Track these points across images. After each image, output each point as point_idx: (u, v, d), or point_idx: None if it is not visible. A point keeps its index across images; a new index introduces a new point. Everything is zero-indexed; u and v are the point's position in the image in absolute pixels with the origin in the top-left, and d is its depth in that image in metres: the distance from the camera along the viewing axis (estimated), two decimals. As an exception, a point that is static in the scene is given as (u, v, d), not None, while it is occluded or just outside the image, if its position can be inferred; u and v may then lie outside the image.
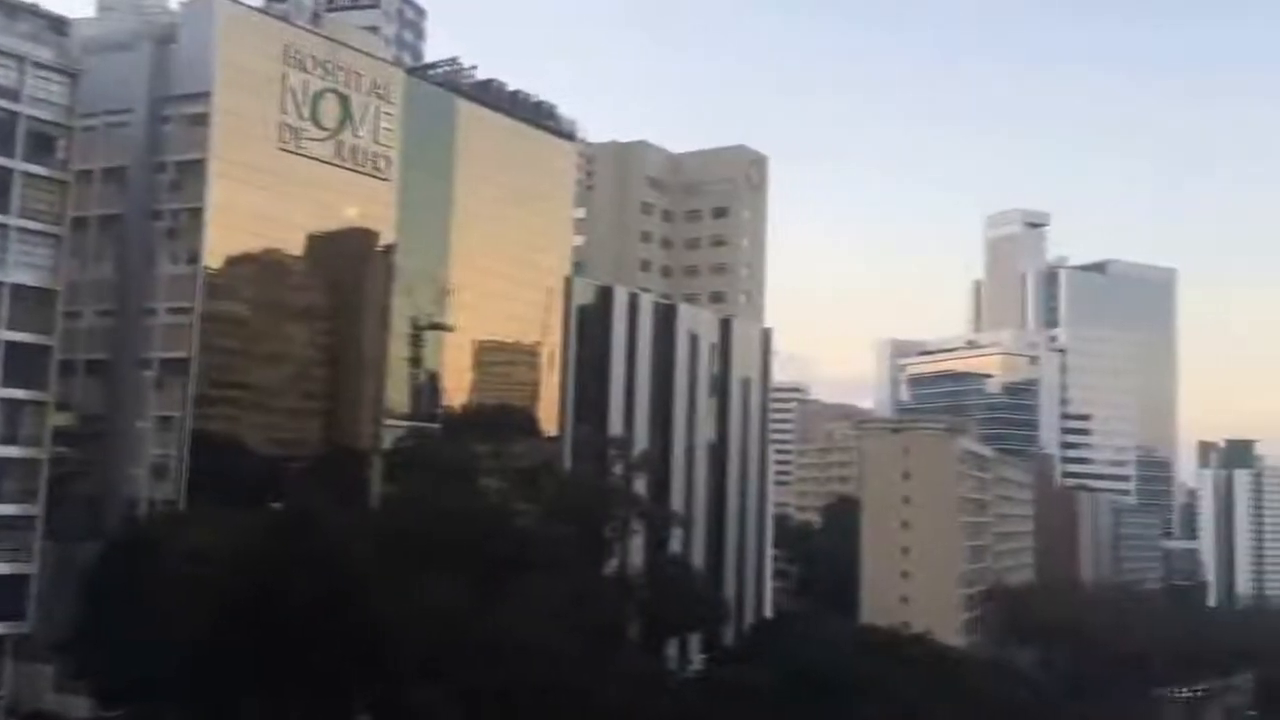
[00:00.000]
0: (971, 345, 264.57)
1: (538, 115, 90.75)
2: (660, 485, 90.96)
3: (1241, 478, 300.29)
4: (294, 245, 71.28)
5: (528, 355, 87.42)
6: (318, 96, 71.81)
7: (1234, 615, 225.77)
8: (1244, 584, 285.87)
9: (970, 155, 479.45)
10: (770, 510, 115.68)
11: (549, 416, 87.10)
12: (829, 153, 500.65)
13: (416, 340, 77.62)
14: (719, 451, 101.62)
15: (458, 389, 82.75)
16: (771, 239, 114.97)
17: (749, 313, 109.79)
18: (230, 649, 44.32)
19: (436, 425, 79.02)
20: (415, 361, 78.00)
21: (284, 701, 45.31)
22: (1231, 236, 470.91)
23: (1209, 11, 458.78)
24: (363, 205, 74.46)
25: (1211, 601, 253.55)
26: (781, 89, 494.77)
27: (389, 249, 75.88)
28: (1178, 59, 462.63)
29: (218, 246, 66.49)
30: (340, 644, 44.41)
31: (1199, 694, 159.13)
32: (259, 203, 67.99)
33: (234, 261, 67.83)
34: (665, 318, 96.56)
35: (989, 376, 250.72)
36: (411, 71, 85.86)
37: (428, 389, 79.90)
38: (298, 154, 70.77)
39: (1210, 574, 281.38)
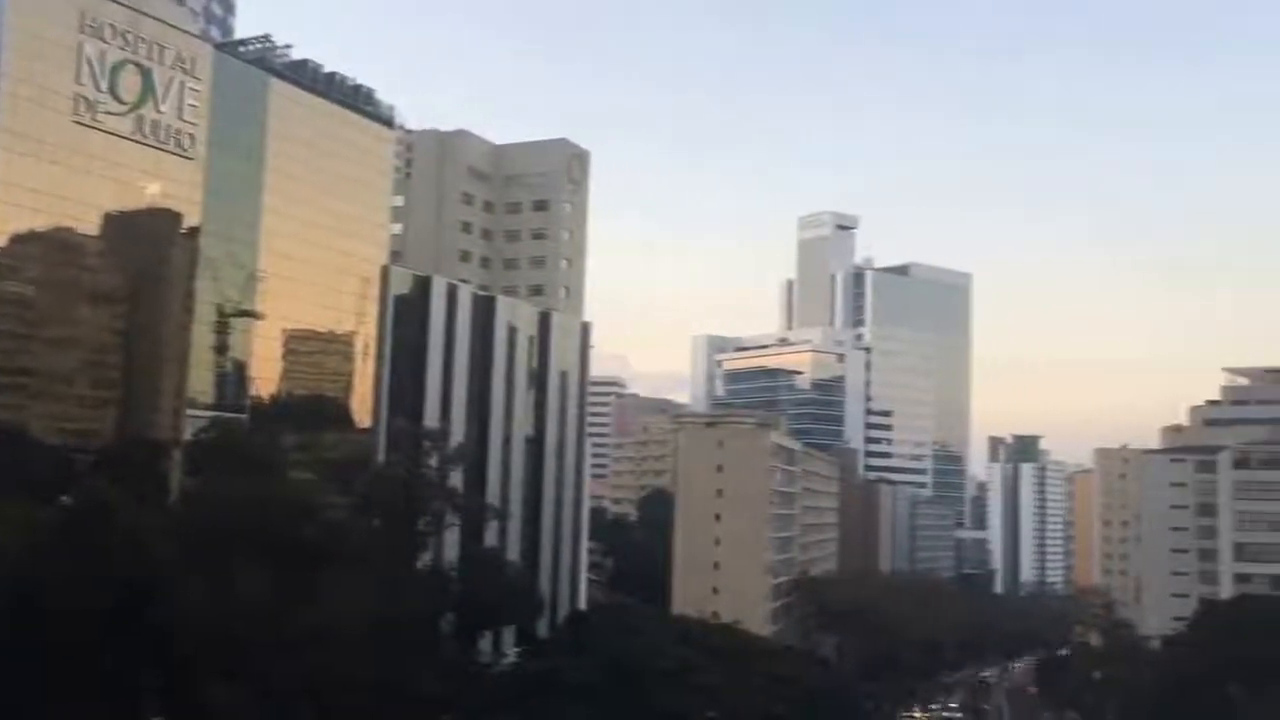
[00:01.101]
0: (784, 342, 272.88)
1: (355, 99, 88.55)
2: (477, 478, 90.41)
3: (1027, 471, 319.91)
4: (89, 224, 67.47)
5: (341, 345, 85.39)
6: (117, 68, 68.12)
7: (1018, 601, 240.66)
8: (1028, 571, 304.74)
9: (788, 156, 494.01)
10: (586, 503, 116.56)
11: (363, 408, 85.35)
12: (652, 150, 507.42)
13: (222, 327, 74.72)
14: (536, 444, 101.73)
15: (266, 378, 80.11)
16: (592, 234, 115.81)
17: (569, 306, 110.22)
18: (15, 653, 41.77)
19: (243, 415, 76.37)
20: (221, 349, 75.10)
21: (72, 707, 43.02)
22: (1021, 242, 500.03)
23: (1010, 18, 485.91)
24: (165, 184, 71.10)
25: (998, 588, 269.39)
26: (606, 85, 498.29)
27: (193, 231, 72.74)
28: (976, 67, 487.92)
29: (1, 223, 62.42)
30: (135, 643, 42.47)
31: (985, 675, 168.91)
32: (50, 178, 64.12)
33: (19, 239, 63.72)
34: (484, 309, 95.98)
35: (799, 373, 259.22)
36: (221, 47, 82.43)
37: (234, 378, 77.09)
38: (94, 128, 66.94)
39: (998, 562, 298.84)
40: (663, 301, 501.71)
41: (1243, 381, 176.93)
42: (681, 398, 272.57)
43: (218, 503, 52.35)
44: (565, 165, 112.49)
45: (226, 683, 45.18)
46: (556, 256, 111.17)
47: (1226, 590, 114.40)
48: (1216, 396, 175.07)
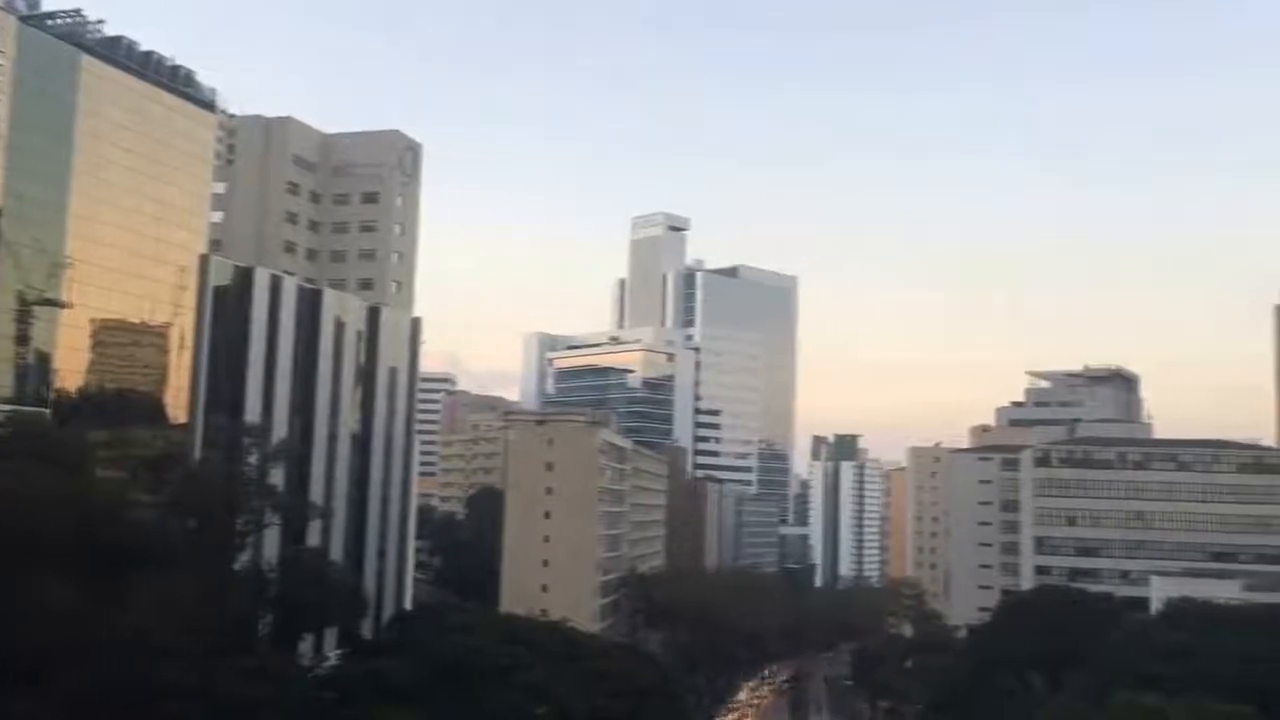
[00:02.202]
0: (615, 341, 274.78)
1: (174, 80, 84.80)
2: (299, 476, 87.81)
3: (847, 470, 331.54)
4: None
5: (156, 337, 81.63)
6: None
7: (837, 594, 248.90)
8: (846, 565, 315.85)
9: (622, 156, 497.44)
10: (414, 501, 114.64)
11: (178, 402, 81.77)
12: (488, 147, 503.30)
13: (24, 317, 70.47)
14: (363, 441, 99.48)
15: (73, 371, 75.98)
16: (424, 228, 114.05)
17: (399, 301, 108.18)
18: None
19: (45, 410, 72.19)
20: (22, 340, 70.83)
21: None
22: (842, 248, 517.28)
23: (845, 27, 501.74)
24: (-38, 163, 66.72)
25: (818, 582, 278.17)
26: (440, 79, 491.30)
27: (-8, 214, 68.50)
28: (803, 78, 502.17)
29: None
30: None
31: (803, 666, 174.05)
32: None
33: None
34: (310, 303, 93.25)
35: (630, 371, 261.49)
36: (26, 20, 77.71)
37: (36, 370, 72.81)
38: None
39: (818, 557, 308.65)
40: (495, 299, 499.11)
41: (1044, 384, 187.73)
42: (512, 395, 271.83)
43: (14, 502, 49.29)
44: (397, 157, 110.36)
45: (26, 693, 42.69)
46: (387, 250, 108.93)
47: (1027, 581, 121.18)
48: (1021, 398, 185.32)
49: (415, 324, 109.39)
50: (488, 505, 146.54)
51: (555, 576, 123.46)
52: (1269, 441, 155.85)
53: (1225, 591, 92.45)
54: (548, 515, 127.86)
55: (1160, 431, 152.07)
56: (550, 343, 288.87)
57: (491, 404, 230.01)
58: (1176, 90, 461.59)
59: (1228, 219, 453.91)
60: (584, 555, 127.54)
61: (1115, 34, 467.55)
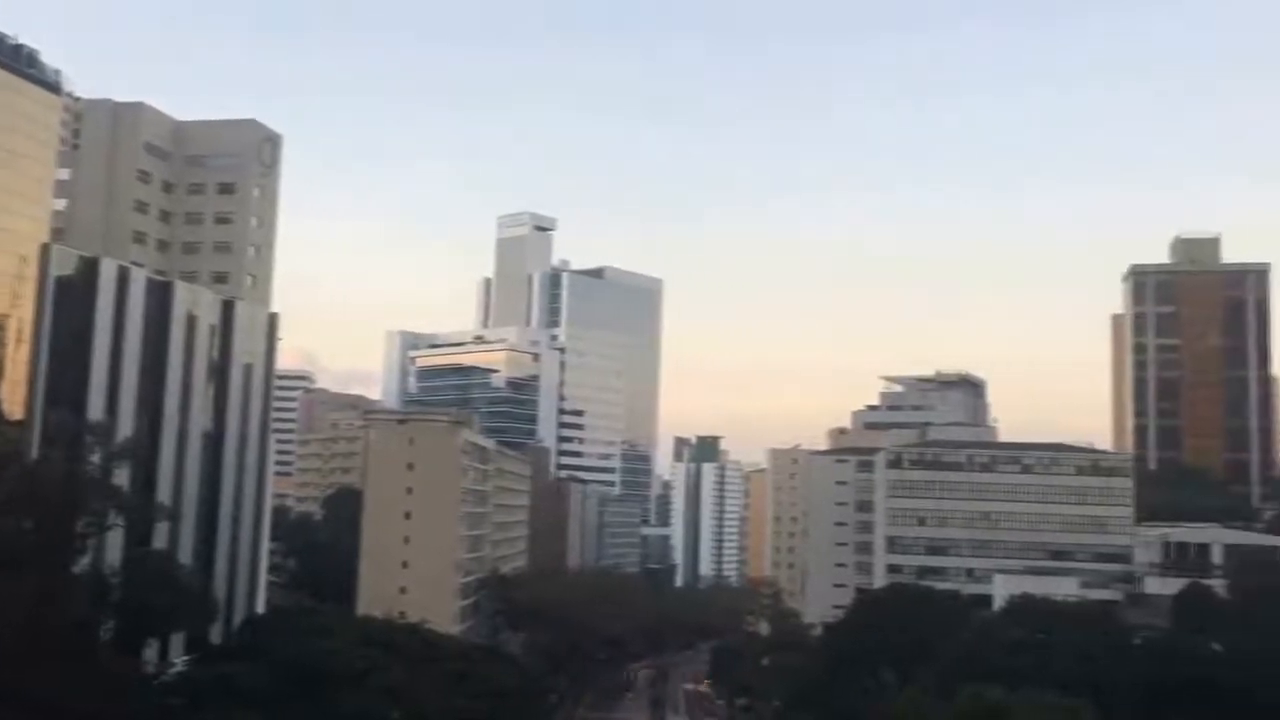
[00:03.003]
0: (479, 340, 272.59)
1: (16, 60, 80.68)
2: (146, 476, 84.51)
3: (708, 471, 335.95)
4: None
5: (-10, 329, 77.42)
6: None
7: (697, 594, 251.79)
8: (707, 566, 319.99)
9: (489, 155, 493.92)
10: (269, 502, 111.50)
11: (15, 398, 77.71)
12: (352, 140, 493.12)
13: None
14: (215, 440, 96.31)
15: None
16: (283, 222, 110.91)
17: (255, 296, 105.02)
18: None
19: None
20: None
21: None
22: (707, 251, 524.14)
23: (709, 32, 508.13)
24: None
25: (679, 582, 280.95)
26: (305, 70, 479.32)
27: None
28: (667, 81, 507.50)
29: None
30: None
31: (663, 666, 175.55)
32: None
33: None
34: (160, 295, 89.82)
35: (495, 371, 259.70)
36: None
37: None
38: None
39: (679, 557, 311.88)
40: (356, 296, 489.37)
41: (898, 389, 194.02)
42: (373, 394, 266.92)
43: None
44: (255, 147, 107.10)
45: None
46: (243, 243, 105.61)
47: (880, 580, 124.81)
48: (876, 402, 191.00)
49: (272, 319, 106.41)
50: (346, 506, 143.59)
51: (415, 578, 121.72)
52: (1105, 445, 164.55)
53: (1063, 589, 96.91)
54: (408, 516, 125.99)
55: (1005, 435, 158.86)
56: (413, 341, 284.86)
57: (351, 402, 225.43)
58: (1022, 94, 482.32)
59: (1073, 228, 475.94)
60: (444, 556, 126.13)
61: (959, 39, 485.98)
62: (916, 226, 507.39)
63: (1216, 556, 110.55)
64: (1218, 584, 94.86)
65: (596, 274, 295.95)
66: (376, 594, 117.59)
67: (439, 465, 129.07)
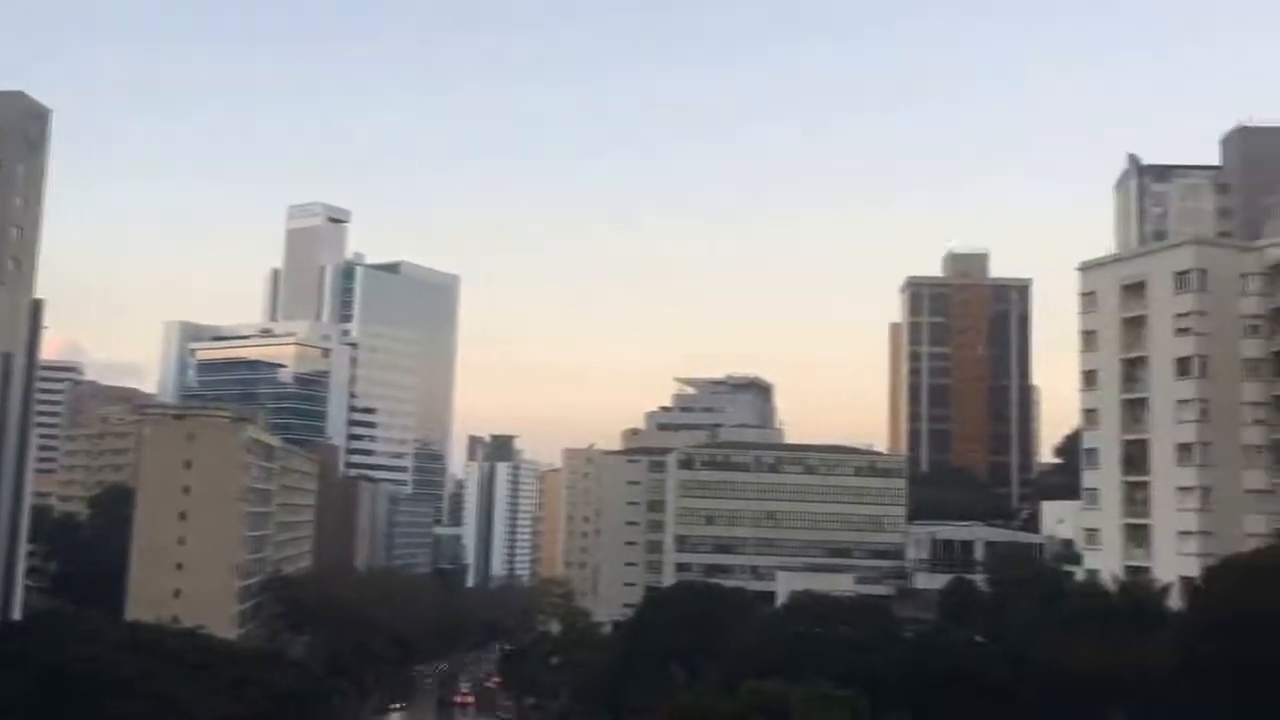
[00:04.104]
0: (266, 334, 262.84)
1: None
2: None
3: (502, 470, 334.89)
4: None
5: None
6: None
7: (489, 594, 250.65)
8: (499, 566, 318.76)
9: (281, 144, 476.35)
10: (28, 501, 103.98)
11: None
12: (130, 124, 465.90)
13: None
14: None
15: None
16: (51, 204, 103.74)
17: (17, 281, 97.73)
18: None
19: None
20: None
21: None
22: (504, 249, 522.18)
23: (528, 32, 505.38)
24: None
25: (471, 582, 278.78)
26: (91, 49, 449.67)
27: None
28: (467, 77, 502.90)
29: None
30: None
31: (452, 665, 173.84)
32: None
33: None
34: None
35: (283, 366, 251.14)
36: None
37: None
38: None
39: (471, 557, 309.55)
40: (131, 285, 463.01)
41: (690, 391, 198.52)
42: (148, 388, 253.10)
43: None
44: (19, 122, 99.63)
45: None
46: (5, 224, 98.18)
47: (669, 578, 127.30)
48: (670, 403, 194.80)
49: (36, 306, 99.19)
50: (116, 505, 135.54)
51: (190, 580, 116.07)
52: (883, 447, 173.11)
53: (841, 585, 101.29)
54: (183, 516, 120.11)
55: (791, 437, 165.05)
56: (194, 333, 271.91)
57: (124, 396, 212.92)
58: (810, 104, 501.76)
59: (854, 236, 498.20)
60: (223, 558, 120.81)
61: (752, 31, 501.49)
62: (712, 227, 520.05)
63: (979, 553, 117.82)
64: (979, 578, 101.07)
65: (392, 268, 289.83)
66: (148, 598, 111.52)
67: (219, 463, 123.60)
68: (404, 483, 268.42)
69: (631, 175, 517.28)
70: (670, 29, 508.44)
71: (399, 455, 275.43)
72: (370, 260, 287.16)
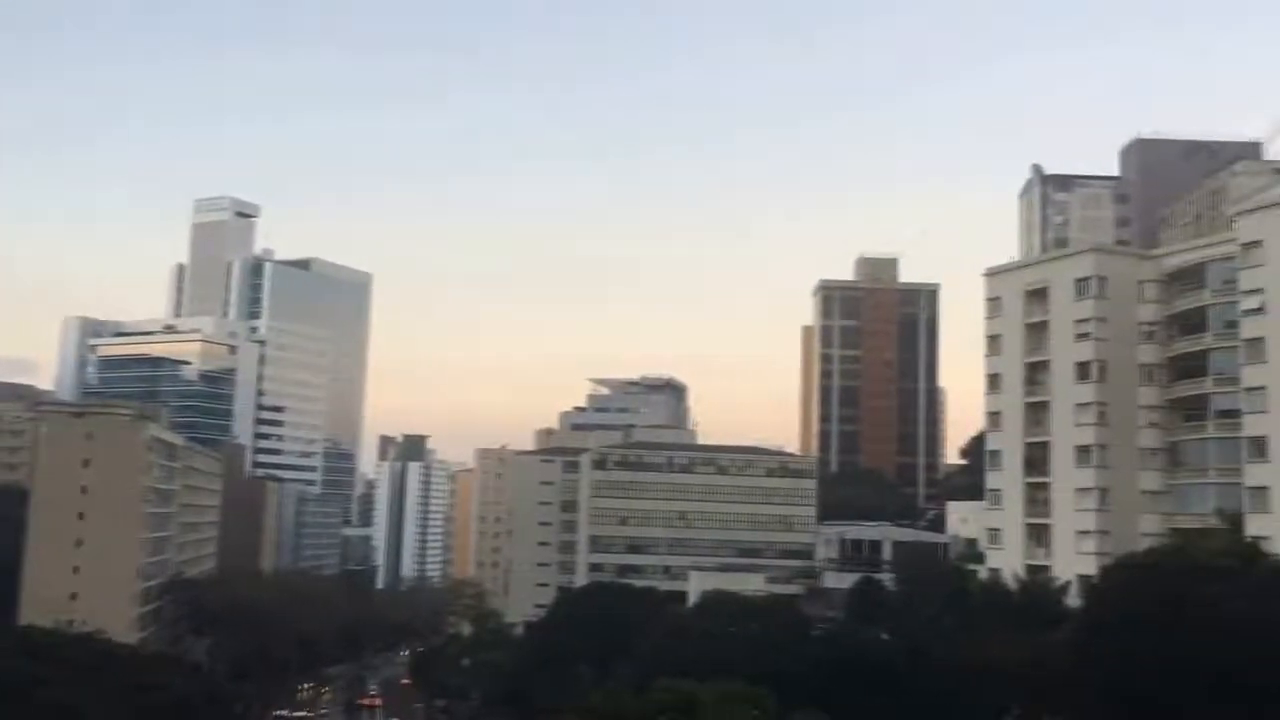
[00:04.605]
0: (170, 330, 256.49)
1: None
2: None
3: (414, 470, 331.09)
4: None
5: None
6: None
7: (399, 596, 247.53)
8: (410, 567, 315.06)
9: (189, 139, 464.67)
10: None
11: None
12: (28, 113, 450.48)
13: None
14: None
15: None
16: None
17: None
18: None
19: None
20: None
21: None
22: (417, 247, 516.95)
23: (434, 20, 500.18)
24: None
25: (380, 584, 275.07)
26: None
27: None
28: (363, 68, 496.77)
29: None
30: None
31: (361, 668, 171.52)
32: None
33: None
34: None
35: (187, 363, 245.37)
36: None
37: None
38: None
39: (381, 558, 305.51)
40: (29, 279, 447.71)
41: (605, 391, 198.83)
42: (45, 384, 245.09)
43: None
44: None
45: None
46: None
47: (582, 578, 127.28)
48: (584, 403, 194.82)
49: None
50: (9, 506, 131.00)
51: (88, 584, 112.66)
52: (794, 448, 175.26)
53: (751, 584, 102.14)
54: (82, 517, 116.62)
55: (704, 437, 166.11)
56: (94, 328, 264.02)
57: (18, 392, 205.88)
58: (734, 109, 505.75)
59: (769, 240, 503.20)
60: (123, 560, 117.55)
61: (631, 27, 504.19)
62: (629, 228, 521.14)
63: (886, 552, 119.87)
64: (887, 577, 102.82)
65: (302, 265, 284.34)
66: (44, 601, 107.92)
67: (120, 463, 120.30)
68: (313, 483, 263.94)
69: (546, 176, 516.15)
70: (588, 37, 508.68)
71: (308, 455, 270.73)
72: (280, 256, 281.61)
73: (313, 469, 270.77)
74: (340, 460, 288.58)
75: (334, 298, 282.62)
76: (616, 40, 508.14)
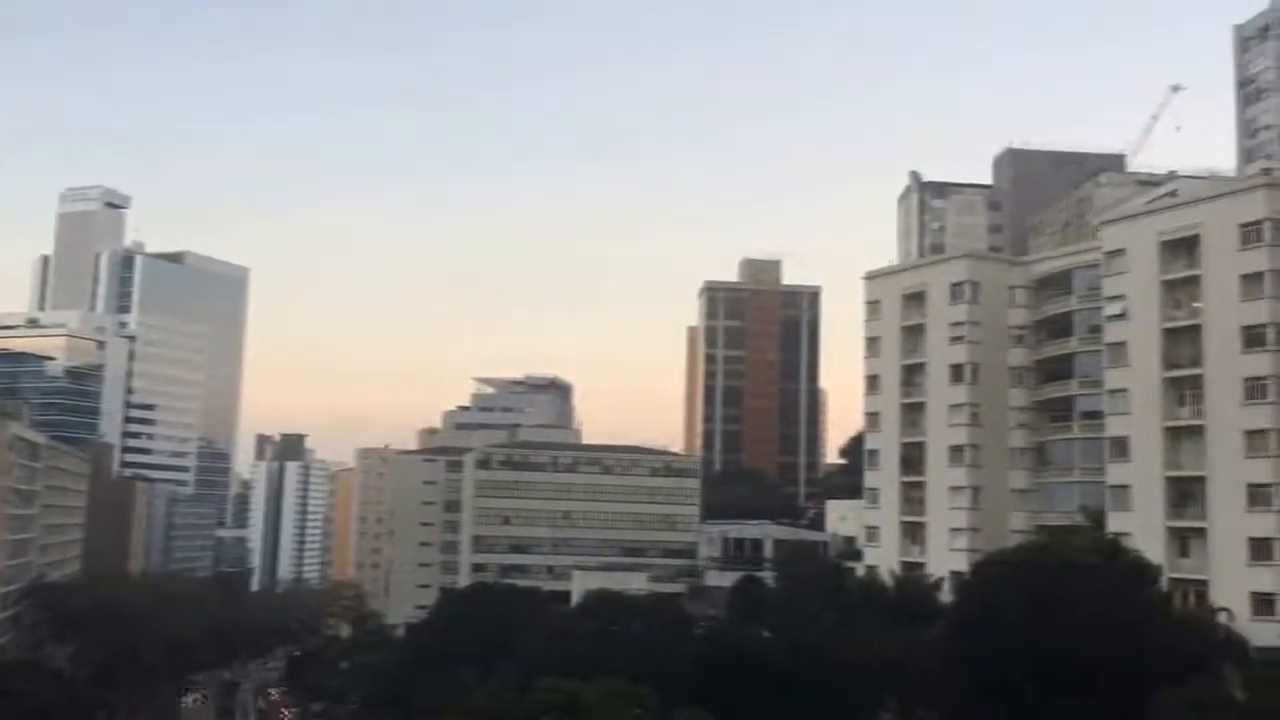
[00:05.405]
0: (33, 324, 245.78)
1: None
2: None
3: (292, 470, 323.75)
4: None
5: None
6: None
7: (275, 598, 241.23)
8: (287, 569, 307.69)
9: (59, 127, 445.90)
10: None
11: None
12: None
13: None
14: None
15: None
16: None
17: None
18: None
19: None
20: None
21: None
22: (301, 241, 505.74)
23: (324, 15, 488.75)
24: None
25: (256, 586, 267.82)
26: None
27: None
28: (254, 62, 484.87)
29: None
30: None
31: (234, 673, 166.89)
32: None
33: None
34: None
35: (51, 359, 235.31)
36: None
37: None
38: None
39: (257, 560, 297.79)
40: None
41: (489, 390, 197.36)
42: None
43: None
44: None
45: None
46: None
47: (465, 579, 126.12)
48: (468, 403, 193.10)
49: None
50: None
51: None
52: (678, 448, 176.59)
53: (634, 583, 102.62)
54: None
55: (589, 437, 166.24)
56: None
57: None
58: (611, 117, 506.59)
59: (656, 241, 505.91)
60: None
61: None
62: (515, 226, 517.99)
63: (768, 550, 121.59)
64: (768, 575, 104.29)
65: (176, 258, 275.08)
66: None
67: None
68: (185, 483, 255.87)
69: (430, 172, 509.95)
70: (461, 35, 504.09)
71: (180, 454, 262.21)
72: (152, 249, 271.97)
73: (185, 469, 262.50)
74: (215, 460, 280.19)
75: (209, 293, 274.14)
76: (510, 46, 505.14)
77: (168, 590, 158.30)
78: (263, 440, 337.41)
